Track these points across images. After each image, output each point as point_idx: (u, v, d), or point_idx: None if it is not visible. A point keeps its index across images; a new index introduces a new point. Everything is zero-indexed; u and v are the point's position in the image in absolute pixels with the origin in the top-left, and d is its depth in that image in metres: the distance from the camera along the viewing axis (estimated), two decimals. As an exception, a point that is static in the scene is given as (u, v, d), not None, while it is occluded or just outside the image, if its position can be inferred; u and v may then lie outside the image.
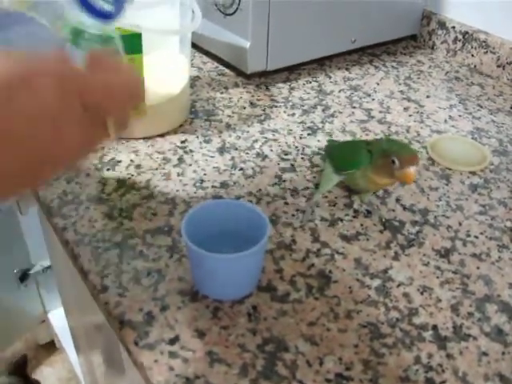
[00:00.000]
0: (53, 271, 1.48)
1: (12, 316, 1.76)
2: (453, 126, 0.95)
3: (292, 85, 1.05)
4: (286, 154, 0.85)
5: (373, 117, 0.96)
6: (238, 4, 0.98)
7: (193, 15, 0.84)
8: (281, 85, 1.05)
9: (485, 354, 0.57)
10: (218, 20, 1.05)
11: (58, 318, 1.75)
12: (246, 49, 0.99)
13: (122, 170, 0.81)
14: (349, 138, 0.90)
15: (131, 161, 0.82)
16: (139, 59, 0.80)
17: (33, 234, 1.57)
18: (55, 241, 0.94)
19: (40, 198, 0.76)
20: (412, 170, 0.65)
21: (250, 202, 0.75)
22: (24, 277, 1.71)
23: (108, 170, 0.80)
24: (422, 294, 0.63)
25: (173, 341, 0.57)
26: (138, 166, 0.81)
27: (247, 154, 0.85)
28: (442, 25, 1.21)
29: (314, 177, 0.81)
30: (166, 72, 0.86)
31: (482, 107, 1.02)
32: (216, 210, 0.64)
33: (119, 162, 0.82)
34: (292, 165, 0.83)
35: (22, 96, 0.37)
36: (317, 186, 0.78)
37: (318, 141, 0.89)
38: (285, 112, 0.96)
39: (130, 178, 0.79)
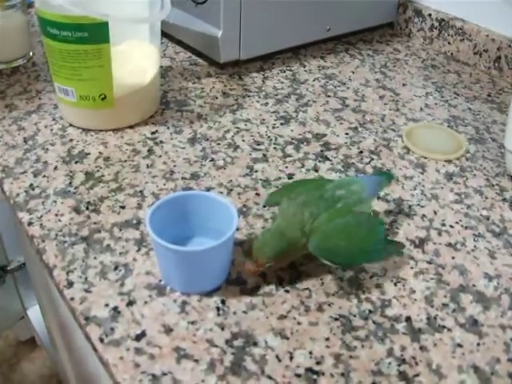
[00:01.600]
0: (26, 267, 1.46)
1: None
2: (429, 114, 0.94)
3: (266, 74, 1.04)
4: (258, 144, 0.83)
5: (347, 105, 0.95)
6: (210, -9, 0.96)
7: (162, 4, 0.82)
8: (254, 74, 1.03)
9: (459, 345, 0.56)
10: (189, 9, 1.03)
11: (37, 315, 1.73)
12: (217, 38, 0.97)
13: (91, 162, 0.79)
14: (323, 127, 0.89)
15: (100, 153, 0.81)
16: (106, 49, 0.78)
17: (9, 229, 1.55)
18: (24, 236, 0.92)
19: (6, 192, 0.74)
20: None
21: (221, 193, 0.74)
22: (1, 273, 1.69)
23: (76, 162, 0.78)
24: (395, 285, 0.62)
25: (139, 337, 0.55)
26: (107, 159, 0.79)
27: (218, 144, 0.83)
28: (418, 12, 1.20)
29: (287, 167, 0.79)
30: (135, 62, 0.85)
31: (458, 95, 1.01)
32: (184, 203, 0.63)
33: (88, 154, 0.80)
34: (264, 155, 0.81)
35: None
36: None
37: (292, 130, 0.87)
38: (258, 101, 0.95)
39: (98, 171, 0.77)
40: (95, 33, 0.77)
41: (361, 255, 0.61)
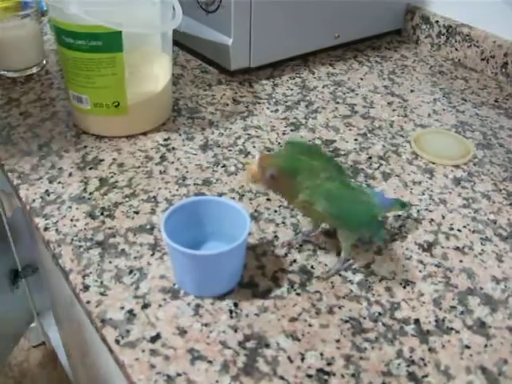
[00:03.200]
0: (40, 272, 1.47)
1: (3, 318, 1.75)
2: (437, 120, 0.95)
3: (275, 81, 1.05)
4: (268, 151, 0.85)
5: (356, 112, 0.96)
6: (220, 1, 0.98)
7: (174, 13, 0.84)
8: (264, 81, 1.05)
9: (467, 346, 0.57)
10: (200, 17, 1.04)
11: (49, 320, 1.74)
12: (228, 46, 0.99)
13: (105, 168, 0.80)
14: (332, 133, 0.90)
15: (114, 159, 0.82)
16: (120, 57, 0.80)
17: (22, 235, 1.56)
18: (40, 240, 0.94)
19: (22, 199, 0.75)
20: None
21: (233, 198, 0.75)
22: (15, 279, 1.70)
23: (91, 169, 0.80)
24: (404, 287, 0.63)
25: (154, 339, 0.57)
26: (121, 165, 0.81)
27: (230, 150, 0.85)
28: (425, 19, 1.21)
29: (297, 173, 0.80)
30: (148, 70, 0.86)
31: (466, 101, 1.02)
32: (197, 207, 0.64)
33: (102, 160, 0.82)
34: (275, 161, 0.83)
35: None
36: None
37: (301, 137, 0.89)
38: (268, 108, 0.96)
39: (112, 177, 0.79)
40: (109, 42, 0.79)
41: (360, 218, 0.63)
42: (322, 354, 0.56)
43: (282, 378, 0.53)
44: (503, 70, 1.09)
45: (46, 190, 0.76)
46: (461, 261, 0.68)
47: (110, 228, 0.70)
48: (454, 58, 1.17)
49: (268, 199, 0.75)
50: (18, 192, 0.77)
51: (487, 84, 1.08)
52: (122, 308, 0.60)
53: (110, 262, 0.65)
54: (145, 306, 0.60)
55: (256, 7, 0.98)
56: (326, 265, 0.65)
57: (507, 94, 1.05)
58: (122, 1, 0.78)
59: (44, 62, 1.10)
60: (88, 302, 0.61)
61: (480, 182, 0.81)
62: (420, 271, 0.66)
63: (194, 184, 0.78)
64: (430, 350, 0.57)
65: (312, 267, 0.65)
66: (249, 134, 0.88)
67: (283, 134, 0.89)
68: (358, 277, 0.64)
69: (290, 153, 0.61)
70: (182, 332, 0.57)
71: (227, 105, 0.97)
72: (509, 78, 1.08)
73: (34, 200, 0.75)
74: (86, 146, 0.85)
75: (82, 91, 0.84)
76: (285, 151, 0.62)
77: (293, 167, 0.60)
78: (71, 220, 0.71)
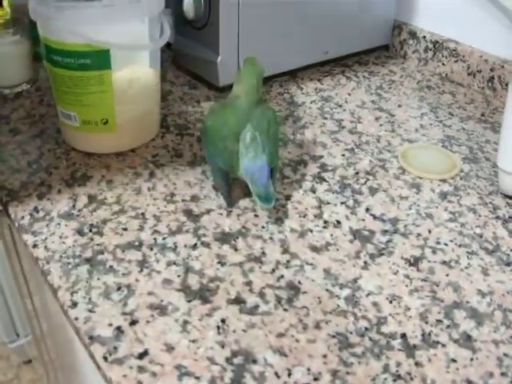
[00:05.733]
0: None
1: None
2: (424, 135, 0.96)
3: (264, 97, 1.06)
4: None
5: (344, 127, 0.97)
6: (208, 18, 0.98)
7: (162, 30, 0.84)
8: (252, 97, 1.06)
9: (453, 360, 0.58)
10: (188, 34, 1.05)
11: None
12: (216, 62, 1.00)
13: (94, 185, 0.81)
14: (320, 148, 0.91)
15: (102, 176, 0.83)
16: (108, 75, 0.80)
17: None
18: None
19: (11, 215, 0.76)
20: None
21: (220, 214, 0.76)
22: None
23: (79, 185, 0.80)
24: (390, 302, 0.64)
25: (142, 355, 0.57)
26: (110, 182, 0.81)
27: (218, 166, 0.85)
28: (413, 35, 1.22)
29: (285, 188, 0.81)
30: (136, 87, 0.87)
31: (452, 115, 1.03)
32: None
33: (90, 177, 0.82)
34: (263, 177, 0.83)
35: None
36: None
37: (289, 152, 0.89)
38: (256, 124, 0.97)
39: (101, 194, 0.79)
40: (97, 60, 0.79)
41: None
42: (308, 370, 0.56)
43: (268, 393, 0.54)
44: (489, 84, 1.10)
45: (35, 207, 0.77)
46: (447, 275, 0.68)
47: (98, 245, 0.70)
48: (441, 72, 1.19)
49: (256, 215, 0.76)
50: (7, 209, 0.77)
51: (474, 98, 1.09)
52: (110, 325, 0.60)
53: (99, 279, 0.65)
54: (133, 323, 0.60)
55: (244, 23, 0.99)
56: (313, 280, 0.66)
57: (494, 108, 1.06)
58: (111, 19, 0.78)
59: (33, 79, 1.10)
60: (76, 319, 0.61)
61: (466, 195, 0.82)
62: (407, 286, 0.66)
63: (182, 200, 0.78)
64: (417, 364, 0.57)
65: (299, 282, 0.66)
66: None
67: (271, 149, 0.90)
68: (345, 292, 0.65)
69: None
70: (170, 348, 0.58)
71: (216, 121, 0.97)
72: (495, 92, 1.09)
73: (22, 217, 0.75)
74: (74, 163, 0.86)
75: (70, 108, 0.84)
76: None
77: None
78: (60, 237, 0.72)
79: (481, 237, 0.74)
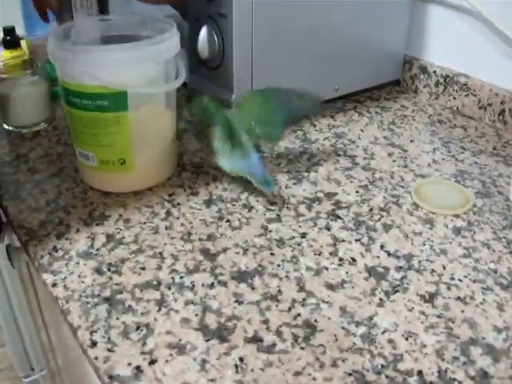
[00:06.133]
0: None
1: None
2: (436, 170, 0.97)
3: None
4: (271, 204, 0.87)
5: (357, 164, 0.98)
6: (222, 57, 1.00)
7: (177, 71, 0.86)
8: (266, 134, 1.07)
9: (470, 397, 0.58)
10: (203, 73, 1.07)
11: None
12: (230, 101, 1.01)
13: (111, 224, 0.82)
14: (334, 185, 0.92)
15: (120, 215, 0.84)
16: (125, 116, 0.82)
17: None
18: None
19: (30, 255, 0.77)
20: None
21: (237, 253, 0.77)
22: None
23: (97, 225, 0.82)
24: (406, 339, 0.64)
25: (161, 395, 0.58)
26: (127, 221, 0.83)
27: (234, 205, 0.86)
28: (423, 69, 1.24)
29: (300, 226, 0.82)
30: (153, 127, 0.88)
31: (464, 149, 1.04)
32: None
33: (108, 216, 0.84)
34: (278, 215, 0.84)
35: None
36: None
37: (304, 190, 0.90)
38: (271, 162, 0.98)
39: (118, 233, 0.80)
40: (114, 101, 0.81)
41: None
42: (326, 408, 0.57)
43: (287, 432, 0.54)
44: (500, 117, 1.11)
45: (54, 246, 0.78)
46: (462, 311, 0.68)
47: (117, 284, 0.72)
48: (452, 106, 1.20)
49: (272, 253, 0.77)
50: (26, 248, 0.79)
51: (485, 132, 1.10)
52: (130, 364, 0.61)
53: (118, 318, 0.66)
54: (152, 362, 0.61)
55: (257, 63, 1.01)
56: (329, 318, 0.67)
57: (505, 142, 1.06)
58: (128, 62, 0.80)
59: (51, 118, 1.12)
60: (96, 358, 0.62)
61: (480, 230, 0.82)
62: (422, 322, 0.67)
63: (199, 239, 0.79)
64: (434, 401, 0.58)
65: (315, 321, 0.66)
66: (252, 188, 0.90)
67: (286, 187, 0.91)
68: (361, 329, 0.65)
69: None
70: (189, 388, 0.58)
71: (230, 159, 0.99)
72: (506, 126, 1.10)
73: (42, 256, 0.76)
74: (92, 202, 0.87)
75: (88, 149, 0.86)
76: None
77: None
78: (79, 276, 0.73)
79: (495, 272, 0.75)
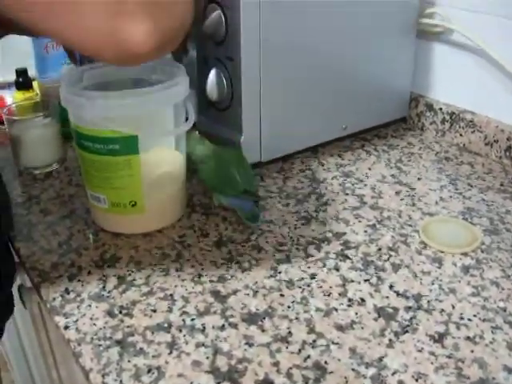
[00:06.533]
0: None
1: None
2: (444, 208, 0.97)
3: (286, 174, 1.08)
4: (281, 245, 0.87)
5: (365, 203, 0.99)
6: (231, 99, 1.02)
7: (187, 114, 0.88)
8: (275, 175, 1.08)
9: None
10: (212, 115, 1.09)
11: None
12: (239, 142, 1.03)
13: (123, 266, 0.83)
14: (342, 225, 0.93)
15: (131, 257, 0.85)
16: (136, 159, 0.83)
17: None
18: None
19: (43, 297, 0.78)
20: None
21: (247, 295, 0.77)
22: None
23: (109, 266, 0.83)
24: (416, 380, 0.65)
25: None
26: (138, 263, 0.84)
27: (243, 246, 0.87)
28: (429, 107, 1.25)
29: (309, 267, 0.83)
30: (163, 169, 0.90)
31: (472, 186, 1.04)
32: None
33: (119, 258, 0.85)
34: (287, 256, 0.85)
35: None
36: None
37: (313, 230, 0.91)
38: (279, 202, 0.99)
39: (130, 275, 0.81)
40: (126, 145, 0.83)
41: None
42: None
43: None
44: (507, 153, 1.12)
45: (66, 289, 0.79)
46: (472, 351, 0.69)
47: (128, 326, 0.72)
48: (458, 143, 1.21)
49: (281, 295, 0.77)
50: (38, 290, 0.80)
51: (492, 168, 1.11)
52: (142, 408, 0.61)
53: (129, 361, 0.67)
54: (164, 406, 0.62)
55: (265, 104, 1.02)
56: (339, 360, 0.67)
57: (512, 178, 1.07)
58: (139, 106, 0.82)
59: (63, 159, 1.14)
60: (108, 402, 0.62)
61: (488, 268, 0.83)
62: (432, 363, 0.67)
63: (210, 281, 0.80)
64: None
65: (326, 362, 0.67)
66: (261, 229, 0.91)
67: (295, 227, 0.92)
68: (371, 371, 0.66)
69: None
70: (201, 432, 0.59)
71: (240, 199, 1.00)
72: (513, 162, 1.11)
73: (54, 298, 0.77)
74: (104, 244, 0.88)
75: (99, 191, 0.87)
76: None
77: None
78: (91, 318, 0.74)
79: (504, 310, 0.75)
